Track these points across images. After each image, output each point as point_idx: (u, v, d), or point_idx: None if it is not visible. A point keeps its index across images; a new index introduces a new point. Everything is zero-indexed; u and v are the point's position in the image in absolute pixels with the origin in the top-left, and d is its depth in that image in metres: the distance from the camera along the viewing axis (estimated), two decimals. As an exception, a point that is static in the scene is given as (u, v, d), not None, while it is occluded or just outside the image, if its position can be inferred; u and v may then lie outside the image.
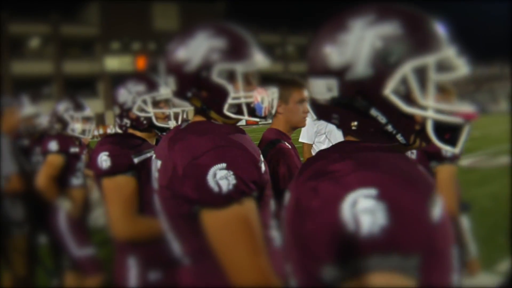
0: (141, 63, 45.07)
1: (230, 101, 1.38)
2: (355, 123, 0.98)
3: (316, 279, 0.88)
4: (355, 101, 0.95)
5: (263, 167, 1.34)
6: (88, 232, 3.73)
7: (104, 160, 2.05)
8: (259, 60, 1.42)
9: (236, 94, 1.38)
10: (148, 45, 46.04)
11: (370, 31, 0.93)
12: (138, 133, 2.24)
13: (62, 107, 3.62)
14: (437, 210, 0.86)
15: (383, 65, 0.92)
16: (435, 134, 0.93)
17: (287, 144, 2.33)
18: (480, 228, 2.91)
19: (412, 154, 2.34)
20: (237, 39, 1.40)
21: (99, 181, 2.12)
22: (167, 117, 2.23)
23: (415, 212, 0.81)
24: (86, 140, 3.99)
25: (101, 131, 28.19)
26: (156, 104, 2.21)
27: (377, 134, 0.97)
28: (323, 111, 1.02)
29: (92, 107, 3.84)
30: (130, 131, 2.26)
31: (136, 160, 2.08)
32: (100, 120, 34.72)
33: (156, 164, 1.44)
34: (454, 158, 2.31)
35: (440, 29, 0.96)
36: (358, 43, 0.93)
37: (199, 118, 1.46)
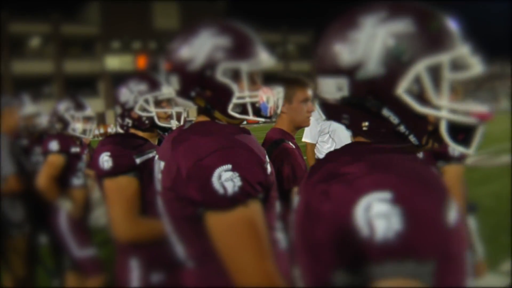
0: (141, 62, 45.04)
1: (234, 100, 1.35)
2: (366, 123, 0.94)
3: (326, 285, 0.85)
4: (367, 101, 0.92)
5: (269, 168, 1.31)
6: (89, 233, 3.71)
7: (105, 160, 2.02)
8: (264, 58, 1.39)
9: (241, 94, 1.35)
10: (148, 44, 46.01)
11: (381, 28, 0.90)
12: (140, 133, 2.22)
13: (63, 106, 3.59)
14: (452, 214, 0.83)
15: (396, 63, 0.89)
16: (449, 134, 0.90)
17: (291, 144, 2.30)
18: (483, 228, 2.88)
19: (419, 154, 2.30)
20: (241, 37, 1.37)
21: (100, 181, 2.10)
22: (169, 117, 2.20)
23: (431, 217, 0.78)
24: (87, 140, 3.96)
25: (101, 130, 28.17)
26: (158, 103, 2.19)
27: (388, 135, 0.94)
28: (333, 111, 0.99)
29: (93, 106, 3.82)
30: (132, 131, 2.23)
31: (138, 161, 2.06)
32: (100, 119, 34.70)
33: (159, 165, 1.41)
34: (461, 158, 2.28)
35: (453, 26, 0.93)
36: (369, 41, 0.90)
37: (203, 118, 1.43)
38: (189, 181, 1.23)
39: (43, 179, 3.43)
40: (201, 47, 1.33)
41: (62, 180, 3.54)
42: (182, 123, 2.18)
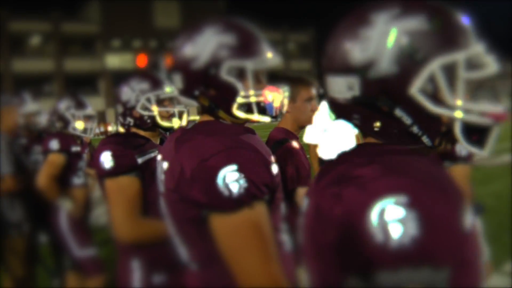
0: (142, 60, 45.04)
1: (239, 100, 1.32)
2: (378, 124, 0.91)
3: None
4: (379, 101, 0.88)
5: (274, 169, 1.28)
6: (89, 232, 3.68)
7: (107, 160, 1.99)
8: (269, 57, 1.36)
9: (246, 93, 1.32)
10: (149, 42, 46.00)
11: (394, 25, 0.87)
12: (142, 132, 2.19)
13: (64, 105, 3.57)
14: (468, 218, 0.80)
15: (409, 62, 0.85)
16: (463, 135, 0.87)
17: (295, 143, 2.28)
18: (484, 228, 2.84)
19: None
20: (246, 35, 1.34)
21: (101, 181, 2.07)
22: (171, 116, 2.17)
23: (448, 222, 0.75)
24: (87, 139, 3.93)
25: (102, 129, 28.17)
26: (160, 102, 2.16)
27: (401, 135, 0.91)
28: (343, 111, 0.96)
29: (93, 104, 3.79)
30: (133, 130, 2.20)
31: (139, 160, 2.03)
32: (101, 118, 34.71)
33: (162, 166, 1.38)
34: (468, 158, 2.24)
35: (467, 24, 0.90)
36: (381, 38, 0.87)
37: (207, 118, 1.40)
38: (193, 182, 1.20)
39: (43, 178, 3.40)
40: (205, 45, 1.30)
41: (63, 179, 3.51)
42: (184, 122, 2.16)
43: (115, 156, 1.99)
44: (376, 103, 0.89)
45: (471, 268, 0.82)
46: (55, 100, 3.90)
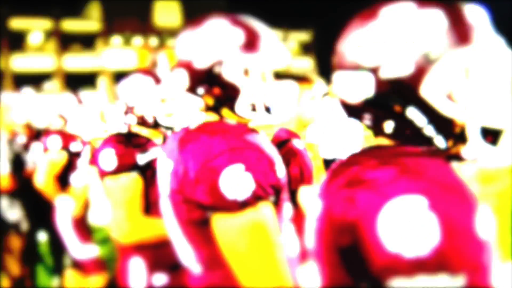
0: (142, 58, 44.99)
1: (244, 98, 1.29)
2: (390, 124, 0.89)
3: None
4: (391, 100, 0.86)
5: (280, 170, 1.25)
6: (89, 231, 3.66)
7: (108, 159, 1.97)
8: (276, 55, 1.33)
9: (251, 91, 1.29)
10: (149, 41, 45.95)
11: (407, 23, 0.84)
12: (143, 131, 2.16)
13: (64, 103, 3.54)
14: (484, 223, 0.77)
15: (423, 61, 0.83)
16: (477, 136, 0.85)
17: (298, 143, 2.24)
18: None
19: None
20: (252, 32, 1.31)
21: (102, 180, 2.04)
22: (173, 115, 2.14)
23: (465, 227, 0.72)
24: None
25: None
26: (162, 101, 2.13)
27: (413, 136, 0.88)
28: (354, 111, 0.93)
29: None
30: (135, 128, 2.18)
31: (141, 159, 2.00)
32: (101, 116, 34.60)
33: (165, 166, 1.35)
34: (476, 159, 2.21)
35: (483, 22, 0.87)
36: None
37: (211, 117, 1.37)
38: (197, 184, 1.17)
39: (43, 177, 3.38)
40: (210, 42, 1.27)
41: (63, 178, 3.49)
42: (186, 121, 2.13)
43: (116, 155, 1.97)
44: (388, 103, 0.86)
45: (486, 274, 0.80)
46: (55, 98, 3.87)
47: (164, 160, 1.39)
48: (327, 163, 4.31)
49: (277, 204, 1.27)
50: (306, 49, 53.63)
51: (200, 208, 1.19)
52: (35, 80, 37.88)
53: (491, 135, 0.86)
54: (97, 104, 3.66)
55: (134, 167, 1.98)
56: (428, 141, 0.87)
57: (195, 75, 1.30)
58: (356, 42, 0.89)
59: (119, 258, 2.11)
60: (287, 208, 1.40)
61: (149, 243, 2.00)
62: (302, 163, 2.15)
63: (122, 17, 44.48)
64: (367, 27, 0.88)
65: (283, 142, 2.23)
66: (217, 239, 1.20)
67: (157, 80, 2.14)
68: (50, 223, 3.58)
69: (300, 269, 1.51)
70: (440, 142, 0.87)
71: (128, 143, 2.03)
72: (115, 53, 45.20)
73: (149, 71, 2.20)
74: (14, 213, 3.58)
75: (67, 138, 3.50)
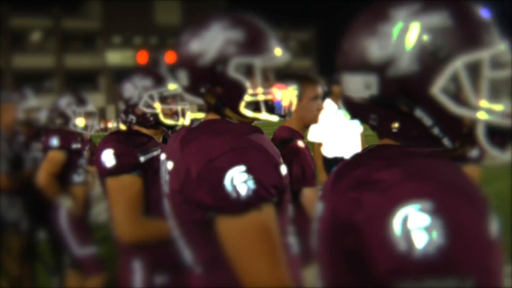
0: (142, 57, 44.99)
1: (247, 98, 1.27)
2: (396, 124, 0.87)
3: None
4: (398, 100, 0.84)
5: (283, 170, 1.23)
6: (89, 230, 3.64)
7: (108, 158, 1.95)
8: (279, 54, 1.31)
9: (254, 91, 1.27)
10: (149, 39, 45.95)
11: (415, 21, 0.82)
12: (144, 130, 2.15)
13: (64, 101, 3.52)
14: (493, 226, 0.76)
15: (431, 60, 0.81)
16: (485, 137, 0.83)
17: (300, 142, 2.23)
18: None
19: None
20: (255, 31, 1.29)
21: (103, 180, 2.03)
22: (174, 114, 2.13)
23: (474, 230, 0.71)
24: (87, 135, 3.89)
25: (102, 125, 28.14)
26: (163, 100, 2.11)
27: (420, 137, 0.86)
28: (359, 111, 0.91)
29: (93, 101, 3.74)
30: (136, 127, 2.16)
31: (142, 159, 1.99)
32: (101, 114, 34.66)
33: (167, 166, 1.34)
34: (479, 159, 2.20)
35: (491, 21, 0.85)
36: (401, 35, 0.82)
37: (213, 116, 1.35)
38: (199, 184, 1.15)
39: (43, 176, 3.36)
40: (212, 41, 1.26)
41: (63, 176, 3.47)
42: (187, 120, 2.12)
43: (117, 155, 1.95)
44: (395, 103, 0.85)
45: (495, 277, 0.78)
46: (55, 96, 3.85)
47: (165, 159, 1.37)
48: (328, 162, 4.31)
49: (280, 204, 1.25)
50: (306, 48, 53.60)
51: (202, 209, 1.18)
52: (35, 78, 37.86)
53: (498, 136, 0.84)
54: (97, 102, 3.64)
55: (134, 166, 1.96)
56: (435, 141, 0.86)
57: (197, 73, 1.28)
58: (363, 41, 0.87)
59: (120, 258, 2.10)
60: (290, 209, 1.39)
61: (150, 244, 1.99)
62: (304, 163, 2.14)
63: (122, 16, 44.45)
64: (374, 26, 0.86)
65: (284, 141, 2.21)
66: (220, 240, 1.18)
67: (158, 79, 2.12)
68: (50, 222, 3.56)
69: (302, 270, 1.50)
70: (447, 142, 0.85)
71: (129, 142, 2.01)
72: (115, 51, 45.18)
73: (150, 70, 2.18)
74: (13, 212, 3.56)
75: (67, 136, 3.47)
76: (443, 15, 0.82)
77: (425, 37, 0.81)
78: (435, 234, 0.69)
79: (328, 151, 4.24)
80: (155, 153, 2.03)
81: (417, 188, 0.73)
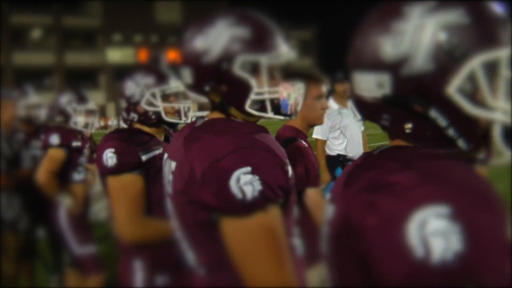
0: (143, 55, 44.98)
1: (253, 96, 1.24)
2: (410, 125, 0.84)
3: None
4: (412, 100, 0.81)
5: (289, 171, 1.20)
6: (89, 229, 3.62)
7: (109, 157, 1.92)
8: (285, 52, 1.28)
9: (260, 89, 1.24)
10: (150, 37, 45.90)
11: (430, 19, 0.79)
12: (146, 129, 2.12)
13: (65, 99, 3.49)
14: (509, 230, 0.73)
15: (447, 59, 0.78)
16: (501, 139, 0.80)
17: (303, 142, 2.20)
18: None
19: None
20: (261, 28, 1.26)
21: (104, 179, 2.00)
22: (176, 112, 2.10)
23: (492, 234, 0.68)
24: (87, 133, 3.86)
25: (102, 123, 28.10)
26: (165, 98, 2.08)
27: (434, 138, 0.83)
28: (370, 111, 0.88)
29: (93, 99, 3.71)
30: (137, 126, 2.13)
31: (144, 158, 1.95)
32: (101, 112, 34.64)
33: (170, 165, 1.31)
34: (486, 160, 2.17)
35: (508, 18, 0.82)
36: (416, 32, 0.79)
37: (217, 115, 1.32)
38: (204, 185, 1.12)
39: (43, 174, 3.33)
40: (217, 38, 1.22)
41: (63, 175, 3.44)
42: (189, 119, 2.09)
43: (118, 153, 1.92)
44: (408, 102, 0.82)
45: (509, 281, 0.75)
46: (55, 94, 3.82)
47: (169, 159, 1.34)
48: (330, 161, 4.29)
49: (286, 206, 1.23)
50: (306, 48, 53.54)
51: (206, 210, 1.15)
52: (35, 75, 37.84)
53: None
54: (97, 100, 3.62)
55: (136, 165, 1.94)
56: (449, 143, 0.83)
57: (202, 71, 1.25)
58: (375, 39, 0.84)
59: (120, 258, 2.07)
60: (295, 210, 1.36)
61: (151, 244, 1.96)
62: (307, 162, 2.11)
63: (122, 13, 44.42)
64: (387, 23, 0.83)
65: (288, 141, 2.18)
66: (224, 241, 1.15)
67: (161, 77, 2.09)
68: (49, 220, 3.54)
69: (306, 272, 1.47)
70: (462, 144, 0.82)
71: (130, 141, 1.98)
72: (116, 49, 45.15)
73: (153, 68, 2.15)
74: (10, 211, 3.53)
75: (67, 134, 3.45)
76: (459, 12, 0.79)
77: (441, 35, 0.78)
78: (453, 240, 0.66)
79: (331, 149, 4.21)
80: (157, 152, 2.00)
81: (434, 192, 0.70)
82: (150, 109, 2.07)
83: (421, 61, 0.79)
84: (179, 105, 2.10)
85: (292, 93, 1.31)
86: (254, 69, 1.23)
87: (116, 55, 44.93)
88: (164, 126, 2.14)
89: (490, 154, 0.85)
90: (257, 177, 1.08)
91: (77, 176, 3.56)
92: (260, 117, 1.31)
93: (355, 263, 0.77)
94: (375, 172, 0.80)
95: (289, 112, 1.31)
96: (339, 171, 4.06)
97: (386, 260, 0.71)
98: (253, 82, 1.23)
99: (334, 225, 0.84)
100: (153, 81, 2.08)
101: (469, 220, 0.67)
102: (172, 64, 1.32)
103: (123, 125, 2.19)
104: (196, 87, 1.29)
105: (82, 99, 3.51)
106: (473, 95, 0.79)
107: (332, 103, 4.34)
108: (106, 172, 1.94)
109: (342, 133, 4.17)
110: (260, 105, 1.27)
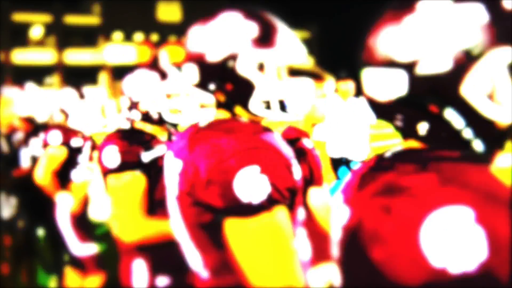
0: (143, 54, 44.93)
1: (259, 95, 1.22)
2: (424, 126, 0.81)
3: None
4: (427, 100, 0.78)
5: (297, 171, 1.17)
6: (89, 228, 3.59)
7: (111, 156, 1.89)
8: (292, 50, 1.25)
9: (266, 88, 1.22)
10: (150, 36, 45.88)
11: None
12: (148, 128, 2.09)
13: (65, 97, 3.46)
14: None
15: (464, 57, 0.75)
16: None
17: (307, 142, 2.17)
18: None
19: None
20: (268, 25, 1.23)
21: (105, 178, 1.97)
22: (179, 111, 2.07)
23: None
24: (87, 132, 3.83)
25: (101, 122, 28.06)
26: (168, 96, 2.05)
27: (449, 139, 0.80)
28: (384, 110, 0.86)
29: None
30: (139, 125, 2.10)
31: (145, 157, 1.93)
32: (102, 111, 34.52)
33: (174, 165, 1.28)
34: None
35: None
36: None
37: (222, 114, 1.29)
38: (209, 185, 1.09)
39: (42, 173, 3.30)
40: (223, 35, 1.20)
41: (63, 173, 3.42)
42: (193, 118, 2.06)
43: (120, 152, 1.90)
44: (423, 102, 0.79)
45: None
46: (55, 92, 3.79)
47: (172, 159, 1.31)
48: (334, 162, 4.26)
49: (292, 207, 1.20)
50: (307, 47, 53.54)
51: (211, 211, 1.12)
52: (36, 74, 37.84)
53: None
54: (98, 98, 3.59)
55: (138, 165, 1.91)
56: (465, 144, 0.80)
57: (207, 69, 1.23)
58: (390, 37, 0.81)
59: (121, 258, 2.05)
60: (301, 211, 1.33)
61: (152, 244, 1.94)
62: (312, 163, 2.09)
63: (123, 12, 44.42)
64: (403, 21, 0.80)
65: (291, 141, 2.16)
66: (230, 244, 1.13)
67: (163, 75, 2.07)
68: (49, 219, 3.51)
69: (311, 273, 1.45)
70: (478, 145, 0.80)
71: (132, 140, 1.96)
72: (116, 48, 45.13)
73: (155, 66, 2.12)
74: (7, 211, 3.50)
75: (67, 133, 3.42)
76: (477, 8, 0.76)
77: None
78: (474, 246, 0.63)
79: (334, 151, 4.19)
80: (159, 151, 1.98)
81: (453, 196, 0.67)
82: (152, 108, 2.04)
83: (437, 60, 0.76)
84: (181, 104, 2.07)
85: (298, 92, 1.28)
86: (261, 67, 1.21)
87: (116, 53, 44.88)
88: (166, 125, 2.11)
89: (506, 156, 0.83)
90: (264, 178, 1.06)
91: (77, 175, 3.54)
92: (266, 117, 1.28)
93: (370, 269, 0.74)
94: (390, 174, 0.77)
95: (296, 112, 1.28)
96: (343, 171, 4.03)
97: (404, 267, 0.68)
98: (259, 80, 1.21)
99: (347, 229, 0.82)
100: (156, 79, 2.05)
101: (489, 225, 0.64)
102: (174, 63, 1.29)
103: (125, 124, 2.16)
104: (201, 85, 1.26)
105: (82, 97, 3.48)
106: (491, 95, 0.76)
107: (335, 102, 4.31)
108: (107, 171, 1.91)
109: (344, 132, 4.14)
110: (266, 104, 1.24)
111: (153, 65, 2.13)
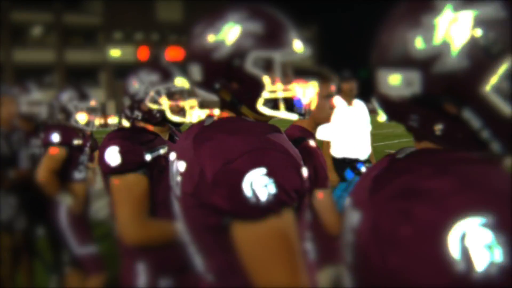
0: (143, 53, 44.92)
1: (265, 95, 1.19)
2: (440, 126, 0.78)
3: None
4: (443, 100, 0.75)
5: (305, 173, 1.14)
6: (90, 229, 3.56)
7: (113, 156, 1.86)
8: (299, 48, 1.22)
9: (273, 87, 1.18)
10: (151, 35, 45.86)
11: (465, 12, 0.74)
12: (150, 127, 2.06)
13: (66, 96, 3.43)
14: None
15: (483, 55, 0.72)
16: None
17: (312, 142, 2.15)
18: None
19: None
20: (274, 23, 1.20)
21: (106, 178, 1.94)
22: (182, 110, 2.04)
23: None
24: (88, 131, 3.80)
25: (102, 121, 28.03)
26: (170, 95, 2.02)
27: (465, 140, 0.78)
28: (397, 111, 0.83)
29: (94, 96, 3.65)
30: (141, 124, 2.07)
31: (148, 157, 1.89)
32: (101, 110, 34.57)
33: (177, 166, 1.25)
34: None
35: None
36: (450, 27, 0.74)
37: (227, 114, 1.26)
38: (215, 187, 1.06)
39: (43, 172, 3.27)
40: (228, 33, 1.17)
41: (63, 173, 3.39)
42: (195, 117, 2.03)
43: (122, 152, 1.86)
44: (440, 102, 0.76)
45: None
46: (55, 92, 3.77)
47: (176, 159, 1.28)
48: (338, 162, 4.23)
49: (299, 209, 1.17)
50: (308, 46, 53.47)
51: (217, 214, 1.09)
52: (36, 73, 37.81)
53: None
54: (97, 98, 3.56)
55: (140, 165, 1.88)
56: (482, 146, 0.77)
57: (212, 68, 1.19)
58: (404, 33, 0.78)
59: (123, 260, 2.02)
60: (308, 213, 1.30)
61: (154, 246, 1.91)
62: (316, 163, 2.06)
63: (123, 11, 44.39)
64: (417, 16, 0.77)
65: (296, 141, 2.13)
66: (236, 246, 1.09)
67: (166, 74, 2.04)
68: (49, 219, 3.49)
69: (317, 276, 1.42)
70: (496, 147, 0.77)
71: (134, 139, 1.92)
72: (116, 47, 45.10)
73: (157, 65, 2.09)
74: (6, 211, 3.47)
75: (68, 132, 3.39)
76: (496, 6, 0.73)
77: (477, 30, 0.73)
78: (498, 253, 0.60)
79: (337, 151, 4.15)
80: (161, 151, 1.94)
81: (475, 200, 0.64)
82: (154, 107, 2.01)
83: (454, 58, 0.74)
84: (184, 103, 2.04)
85: (306, 91, 1.25)
86: (267, 66, 1.18)
87: (116, 53, 44.88)
88: (168, 125, 2.08)
89: None
90: (271, 180, 1.03)
91: (78, 175, 3.51)
92: (272, 117, 1.25)
93: (385, 274, 0.71)
94: (407, 177, 0.74)
95: (303, 111, 1.25)
96: (348, 173, 3.99)
97: (423, 273, 0.65)
98: (265, 79, 1.18)
99: (360, 233, 0.79)
100: (158, 78, 2.02)
101: None
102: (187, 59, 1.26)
103: (125, 123, 2.13)
104: (206, 84, 1.23)
105: (83, 97, 3.45)
106: (510, 95, 0.73)
107: (338, 102, 4.27)
108: (109, 171, 1.88)
109: (348, 133, 4.11)
110: (273, 104, 1.21)
111: (155, 64, 2.10)
